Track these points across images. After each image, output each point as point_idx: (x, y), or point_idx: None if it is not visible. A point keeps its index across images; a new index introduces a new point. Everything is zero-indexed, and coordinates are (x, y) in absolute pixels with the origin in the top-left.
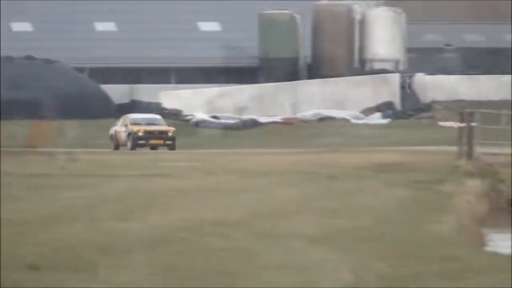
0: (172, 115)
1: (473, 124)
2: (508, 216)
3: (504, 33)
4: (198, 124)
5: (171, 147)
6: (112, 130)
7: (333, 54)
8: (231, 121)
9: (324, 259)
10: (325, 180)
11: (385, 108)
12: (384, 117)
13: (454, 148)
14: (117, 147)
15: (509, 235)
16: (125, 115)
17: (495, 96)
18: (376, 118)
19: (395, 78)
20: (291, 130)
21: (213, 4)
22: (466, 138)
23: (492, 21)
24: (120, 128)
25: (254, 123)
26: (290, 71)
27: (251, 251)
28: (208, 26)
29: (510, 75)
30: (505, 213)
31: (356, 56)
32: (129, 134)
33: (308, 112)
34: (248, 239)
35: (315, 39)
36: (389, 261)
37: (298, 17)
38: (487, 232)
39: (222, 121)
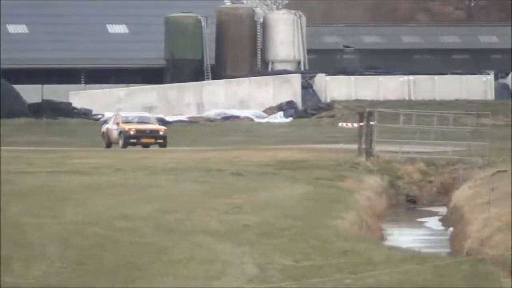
0: (82, 115)
1: (372, 123)
2: (405, 212)
3: (401, 34)
4: None
5: (163, 146)
6: (103, 128)
7: (236, 55)
8: None
9: (229, 253)
10: (230, 177)
11: (287, 107)
12: (286, 116)
13: (354, 146)
14: (108, 145)
15: (407, 230)
16: (117, 113)
17: (393, 96)
18: (279, 117)
19: (297, 78)
20: (197, 129)
21: (121, 8)
22: (366, 136)
23: (389, 23)
24: (111, 126)
25: (161, 122)
26: (195, 71)
27: (159, 246)
28: (117, 29)
29: (408, 76)
30: (403, 209)
31: (259, 57)
32: (120, 132)
33: (212, 112)
34: (156, 234)
35: (219, 41)
36: (292, 255)
37: (202, 19)
38: (386, 227)
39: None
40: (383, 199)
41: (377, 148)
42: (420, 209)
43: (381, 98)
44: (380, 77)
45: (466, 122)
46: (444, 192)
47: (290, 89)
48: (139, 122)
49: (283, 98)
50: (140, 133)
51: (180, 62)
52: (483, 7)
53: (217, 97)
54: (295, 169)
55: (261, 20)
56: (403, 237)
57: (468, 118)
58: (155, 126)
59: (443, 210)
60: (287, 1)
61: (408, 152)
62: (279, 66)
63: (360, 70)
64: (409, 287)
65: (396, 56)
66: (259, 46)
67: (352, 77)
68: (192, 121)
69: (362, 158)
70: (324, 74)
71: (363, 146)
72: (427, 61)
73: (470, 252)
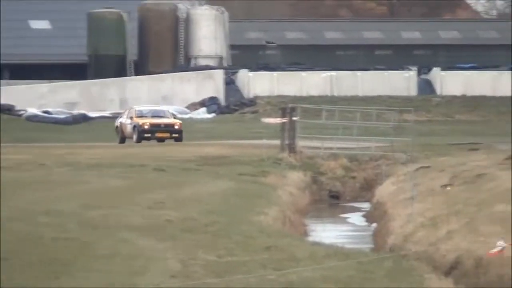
0: (5, 110)
1: (294, 118)
2: (328, 208)
3: (323, 30)
4: (30, 119)
5: (178, 140)
6: (117, 122)
7: (159, 51)
8: (62, 116)
9: (152, 249)
10: (153, 173)
11: (210, 103)
12: (209, 112)
13: (277, 142)
14: (122, 139)
15: (330, 226)
16: (131, 106)
17: (316, 92)
18: (202, 113)
19: (219, 74)
20: None
21: (44, 4)
22: (288, 132)
23: (312, 19)
24: (125, 120)
25: (84, 118)
26: (118, 67)
27: (83, 241)
28: (39, 24)
29: (331, 71)
30: (326, 205)
31: (182, 53)
32: (134, 126)
33: None
34: (80, 230)
35: (141, 37)
36: (215, 251)
37: (125, 15)
38: (309, 223)
39: (54, 116)
40: (306, 195)
41: (300, 143)
42: (343, 205)
43: (304, 94)
44: (303, 73)
45: (389, 118)
46: (367, 188)
47: (213, 85)
48: (153, 116)
49: (206, 94)
50: (155, 127)
51: (103, 58)
52: (405, 2)
53: (140, 93)
54: (218, 165)
55: (184, 15)
56: (326, 233)
57: (390, 114)
58: (170, 120)
59: (366, 206)
60: None
61: (331, 148)
62: (202, 62)
63: (282, 66)
64: (333, 283)
65: (319, 52)
66: (182, 41)
67: (275, 73)
68: (115, 117)
69: (285, 154)
70: (247, 70)
71: (286, 142)
72: (350, 57)
73: (393, 248)
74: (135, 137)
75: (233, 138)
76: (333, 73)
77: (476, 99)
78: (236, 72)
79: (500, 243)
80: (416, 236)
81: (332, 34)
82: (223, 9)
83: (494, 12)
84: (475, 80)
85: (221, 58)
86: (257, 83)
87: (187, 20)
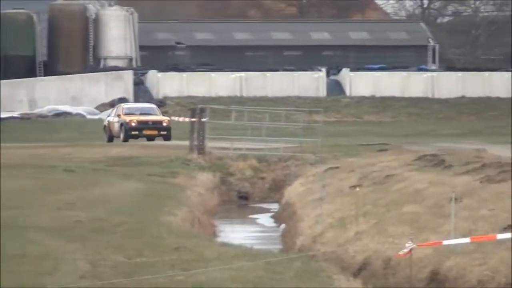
0: None
1: (204, 119)
2: (237, 208)
3: (232, 31)
4: None
5: (167, 138)
6: (105, 121)
7: (69, 51)
8: None
9: (61, 249)
10: (62, 173)
11: (119, 103)
12: None
13: (186, 143)
14: (110, 138)
15: (239, 227)
16: (119, 104)
17: (225, 92)
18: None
19: (129, 75)
20: (29, 126)
21: None
22: (198, 133)
23: (221, 20)
24: (113, 118)
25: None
26: (27, 68)
27: None
28: None
29: (240, 72)
30: (235, 205)
31: (91, 54)
32: (121, 124)
33: (44, 108)
34: None
35: (51, 38)
36: (124, 251)
37: (35, 16)
38: (218, 223)
39: None
40: (215, 196)
41: (209, 144)
42: (252, 206)
43: (213, 94)
44: (212, 74)
45: (298, 119)
46: (276, 189)
47: (123, 85)
48: (142, 114)
49: (116, 94)
50: (142, 125)
51: (12, 58)
52: (315, 3)
53: (49, 94)
54: (127, 166)
55: (93, 16)
56: (235, 234)
57: (300, 114)
58: (158, 117)
59: (275, 206)
60: None
61: (240, 149)
62: (111, 63)
63: (192, 66)
64: (241, 283)
65: (228, 53)
66: (91, 42)
67: (184, 74)
68: (24, 118)
69: (194, 155)
70: (156, 71)
71: (195, 142)
72: (259, 58)
73: (302, 249)
74: (122, 135)
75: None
76: (242, 74)
77: (385, 100)
78: (146, 72)
79: (409, 244)
80: (325, 237)
81: (241, 35)
82: (132, 9)
83: (403, 13)
84: (384, 81)
85: (130, 59)
86: (167, 84)
87: (97, 21)
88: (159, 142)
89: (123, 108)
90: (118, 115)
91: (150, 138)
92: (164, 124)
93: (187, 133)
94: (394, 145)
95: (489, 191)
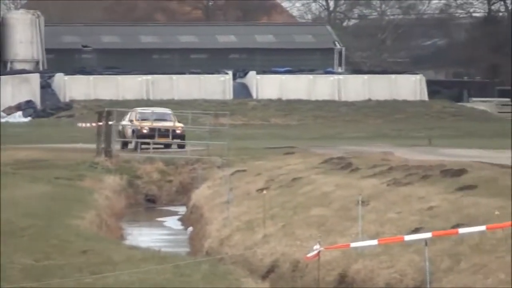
0: None
1: (110, 122)
2: (145, 211)
3: (139, 34)
4: None
5: (181, 146)
6: (120, 126)
7: None
8: None
9: None
10: None
11: (26, 107)
12: (25, 115)
13: (93, 146)
14: (124, 144)
15: (147, 229)
16: (133, 109)
17: (131, 96)
18: (17, 117)
19: (35, 78)
20: None
21: None
22: (104, 136)
23: (127, 23)
24: (126, 123)
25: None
26: None
27: None
28: None
29: (147, 75)
30: (142, 208)
31: None
32: (133, 131)
33: None
34: None
35: None
36: (32, 255)
37: None
38: (126, 226)
39: None
40: (122, 199)
41: (116, 147)
42: (160, 209)
43: (120, 97)
44: (119, 77)
45: (205, 122)
46: (183, 192)
47: (29, 88)
48: (156, 119)
49: (22, 97)
50: (154, 132)
51: None
52: (220, 6)
53: None
54: (35, 169)
55: (0, 20)
56: (143, 237)
57: (206, 117)
58: (171, 124)
59: (182, 209)
60: (25, 1)
61: (148, 152)
62: (18, 66)
63: (98, 69)
64: (150, 286)
65: (135, 56)
66: None
67: (91, 77)
68: None
69: (101, 158)
70: (63, 74)
71: (102, 145)
72: (166, 61)
73: (210, 252)
74: (133, 142)
75: (50, 142)
76: (149, 77)
77: (292, 103)
78: (52, 76)
79: (317, 247)
80: (232, 239)
81: (148, 38)
82: (38, 13)
83: (310, 16)
84: (290, 84)
85: (37, 62)
86: (73, 87)
87: (3, 24)
88: (66, 145)
89: (136, 113)
90: (131, 120)
91: (167, 145)
92: (178, 131)
93: (94, 136)
94: (301, 148)
95: (396, 194)
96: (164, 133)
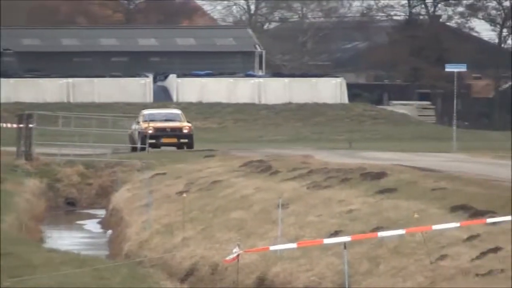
0: None
1: (31, 125)
2: (65, 214)
3: (60, 37)
4: None
5: (189, 146)
6: (129, 130)
7: None
8: None
9: None
10: None
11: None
12: None
13: (13, 149)
14: (134, 147)
15: (66, 233)
16: (142, 110)
17: (52, 99)
18: None
19: None
20: None
21: None
22: (25, 139)
23: (48, 26)
24: (134, 126)
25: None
26: None
27: None
28: None
29: (67, 78)
30: (62, 211)
31: None
32: (139, 132)
33: None
34: None
35: None
36: None
37: None
38: (45, 229)
39: None
40: (42, 202)
41: (36, 150)
42: (80, 212)
43: (40, 100)
44: (40, 80)
45: (125, 125)
46: (103, 195)
47: None
48: (164, 120)
49: None
50: (160, 132)
51: None
52: (142, 9)
53: None
54: None
55: None
56: (63, 240)
57: (127, 121)
58: (178, 124)
59: (102, 212)
60: None
61: (68, 155)
62: None
63: (19, 72)
64: None
65: (56, 59)
66: None
67: (12, 80)
68: None
69: (21, 161)
70: None
71: (22, 148)
72: (87, 64)
73: (129, 255)
74: (139, 143)
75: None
76: (70, 80)
77: (212, 106)
78: None
79: (236, 250)
80: (152, 243)
81: (69, 41)
82: None
83: (231, 19)
84: (211, 87)
85: None
86: None
87: None
88: None
89: (143, 114)
90: (138, 122)
91: (179, 146)
92: (185, 131)
93: (14, 139)
94: (221, 151)
95: (316, 197)
96: (170, 133)
